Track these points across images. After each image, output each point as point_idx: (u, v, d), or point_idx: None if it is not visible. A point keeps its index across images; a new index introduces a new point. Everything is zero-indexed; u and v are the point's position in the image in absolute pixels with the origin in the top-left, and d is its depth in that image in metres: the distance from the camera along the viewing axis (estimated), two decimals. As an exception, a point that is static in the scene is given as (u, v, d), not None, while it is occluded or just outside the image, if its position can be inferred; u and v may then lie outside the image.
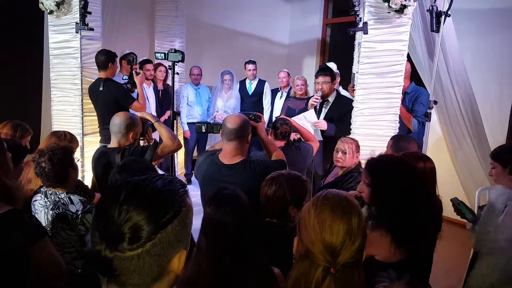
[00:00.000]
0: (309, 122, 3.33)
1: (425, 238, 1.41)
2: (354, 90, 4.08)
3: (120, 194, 0.69)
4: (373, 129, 3.01)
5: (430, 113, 2.98)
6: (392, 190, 1.40)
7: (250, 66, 5.02)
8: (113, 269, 0.67)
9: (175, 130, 4.63)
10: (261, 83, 5.10)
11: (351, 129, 3.08)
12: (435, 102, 3.06)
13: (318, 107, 3.46)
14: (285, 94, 4.96)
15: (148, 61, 4.59)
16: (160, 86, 4.76)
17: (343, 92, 4.31)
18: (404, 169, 1.47)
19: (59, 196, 1.90)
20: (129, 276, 0.68)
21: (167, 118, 4.65)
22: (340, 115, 3.38)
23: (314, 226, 1.00)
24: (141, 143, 2.60)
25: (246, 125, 2.02)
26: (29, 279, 1.38)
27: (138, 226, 0.66)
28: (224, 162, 2.00)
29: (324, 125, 3.29)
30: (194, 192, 2.06)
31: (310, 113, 3.35)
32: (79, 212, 1.87)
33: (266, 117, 5.02)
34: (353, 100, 3.20)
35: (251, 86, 5.12)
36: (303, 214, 1.06)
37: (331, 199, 1.04)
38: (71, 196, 1.92)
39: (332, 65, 4.56)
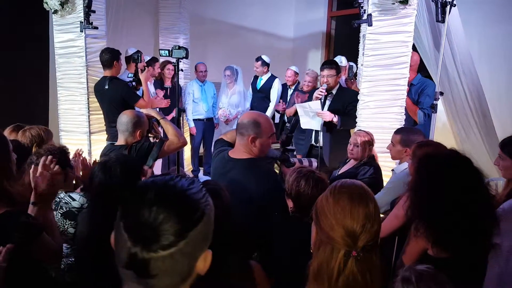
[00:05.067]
0: (313, 112, 3.34)
1: None
2: (353, 82, 4.09)
3: (147, 195, 0.69)
4: (379, 122, 2.99)
5: (436, 104, 2.95)
6: None
7: (255, 64, 5.01)
8: (150, 270, 0.66)
9: (181, 127, 4.65)
10: (270, 79, 5.07)
11: (356, 122, 3.06)
12: (441, 93, 3.03)
13: (322, 100, 3.46)
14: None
15: (156, 60, 4.59)
16: (168, 83, 4.75)
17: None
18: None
19: (59, 196, 1.93)
20: (161, 277, 0.67)
21: (174, 115, 4.65)
22: (343, 106, 3.37)
23: (335, 212, 1.05)
24: (150, 139, 2.63)
25: (253, 124, 1.91)
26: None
27: (171, 225, 0.66)
28: (231, 156, 1.99)
29: (327, 115, 3.28)
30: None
31: (315, 103, 3.36)
32: (85, 205, 1.91)
33: (268, 112, 4.96)
34: (356, 92, 3.18)
35: (260, 82, 5.12)
36: (321, 203, 1.11)
37: (347, 187, 1.10)
38: (71, 194, 1.96)
39: (341, 59, 4.54)
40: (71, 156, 2.20)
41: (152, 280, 0.67)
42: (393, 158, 2.53)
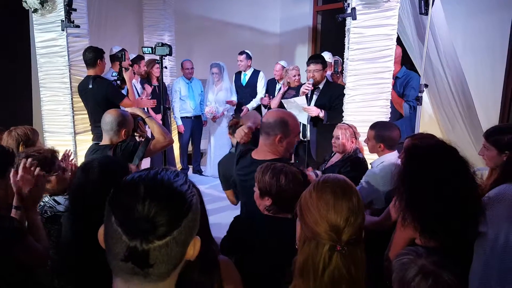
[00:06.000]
0: (299, 107, 3.35)
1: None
2: (339, 76, 4.10)
3: (138, 190, 0.72)
4: (365, 115, 3.00)
5: (421, 96, 2.97)
6: None
7: (239, 57, 4.98)
8: (149, 260, 0.70)
9: (168, 125, 4.61)
10: (255, 74, 5.06)
11: (343, 116, 3.08)
12: (426, 86, 3.05)
13: (309, 94, 3.47)
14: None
15: (141, 57, 4.53)
16: (155, 82, 4.70)
17: None
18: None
19: (43, 201, 1.88)
20: (158, 266, 0.71)
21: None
22: (329, 100, 3.38)
23: (318, 207, 1.05)
24: (136, 138, 2.60)
25: (281, 124, 1.86)
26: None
27: (165, 216, 0.70)
28: (254, 157, 1.93)
29: (313, 111, 3.30)
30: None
31: (301, 98, 3.37)
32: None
33: (254, 104, 4.98)
34: (343, 87, 3.20)
35: (245, 77, 5.10)
36: (304, 199, 1.11)
37: (330, 182, 1.11)
38: (55, 198, 1.91)
39: (326, 54, 4.55)
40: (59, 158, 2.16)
41: (150, 269, 0.71)
42: (370, 152, 2.53)
